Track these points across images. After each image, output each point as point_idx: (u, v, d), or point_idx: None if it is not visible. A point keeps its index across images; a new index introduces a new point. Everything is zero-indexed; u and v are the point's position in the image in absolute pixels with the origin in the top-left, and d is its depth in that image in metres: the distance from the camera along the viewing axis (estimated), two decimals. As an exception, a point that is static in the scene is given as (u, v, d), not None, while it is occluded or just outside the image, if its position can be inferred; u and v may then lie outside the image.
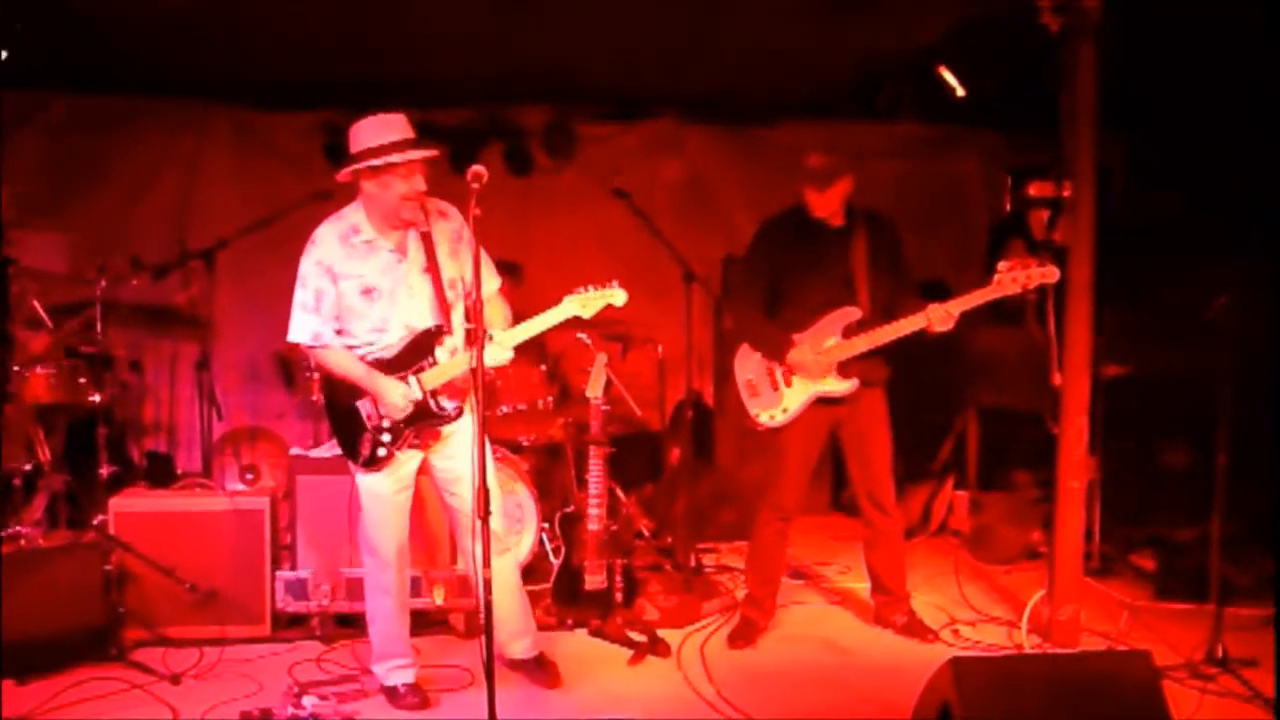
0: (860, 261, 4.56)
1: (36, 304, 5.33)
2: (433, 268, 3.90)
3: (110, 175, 6.71)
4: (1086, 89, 4.43)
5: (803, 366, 4.51)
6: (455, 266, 3.96)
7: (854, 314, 4.51)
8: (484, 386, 3.34)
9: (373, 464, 3.90)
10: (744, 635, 4.73)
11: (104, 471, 5.19)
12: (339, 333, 3.89)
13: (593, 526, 4.84)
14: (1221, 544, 4.44)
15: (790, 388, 4.58)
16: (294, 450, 5.08)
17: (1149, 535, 5.63)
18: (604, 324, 5.41)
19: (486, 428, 3.41)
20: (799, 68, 6.23)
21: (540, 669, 4.26)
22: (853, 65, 6.20)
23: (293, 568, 4.78)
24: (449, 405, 3.91)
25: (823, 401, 4.57)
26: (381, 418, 3.87)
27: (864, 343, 4.47)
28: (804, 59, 6.08)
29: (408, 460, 3.96)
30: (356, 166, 3.77)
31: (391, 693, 4.09)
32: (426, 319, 3.91)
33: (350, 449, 3.94)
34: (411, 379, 3.85)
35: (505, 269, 6.18)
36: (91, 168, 6.64)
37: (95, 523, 4.75)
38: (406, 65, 6.10)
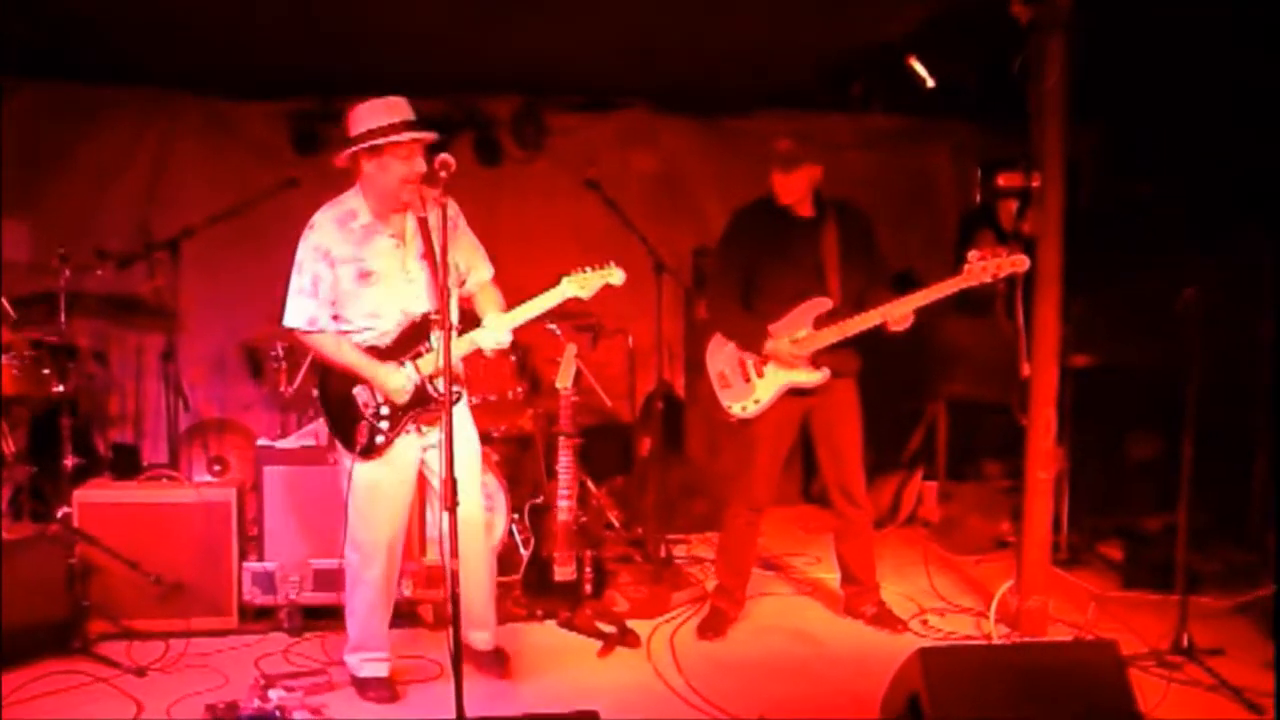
0: (831, 252, 4.57)
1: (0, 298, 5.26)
2: (429, 254, 3.88)
3: (76, 164, 6.61)
4: (1055, 80, 4.44)
5: (779, 357, 4.51)
6: (451, 253, 3.92)
7: (825, 305, 4.52)
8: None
9: (370, 451, 3.88)
10: (714, 626, 4.73)
11: (68, 463, 5.11)
12: (334, 318, 3.87)
13: (562, 518, 4.82)
14: (1188, 534, 4.46)
15: (762, 379, 4.58)
16: (261, 441, 5.03)
17: (1116, 525, 5.66)
18: (574, 315, 5.40)
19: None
20: (771, 59, 6.21)
21: (495, 662, 4.23)
22: (824, 57, 6.18)
23: (260, 560, 4.73)
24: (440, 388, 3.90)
25: (794, 393, 4.57)
26: (379, 404, 3.85)
27: (834, 334, 4.47)
28: (776, 50, 6.06)
29: (405, 449, 3.93)
30: (355, 148, 3.75)
31: (361, 684, 4.06)
32: (423, 305, 3.90)
33: (346, 437, 3.91)
34: (408, 364, 3.85)
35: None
36: (57, 156, 6.54)
37: (59, 515, 4.70)
38: (376, 55, 6.04)
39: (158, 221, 6.26)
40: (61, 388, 5.13)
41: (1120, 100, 5.75)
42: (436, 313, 3.86)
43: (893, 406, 6.72)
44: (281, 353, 5.77)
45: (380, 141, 3.72)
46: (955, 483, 6.41)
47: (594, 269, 3.91)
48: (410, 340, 3.88)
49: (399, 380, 3.82)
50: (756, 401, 4.58)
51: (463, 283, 4.05)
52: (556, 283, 3.94)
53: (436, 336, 3.86)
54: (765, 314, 4.57)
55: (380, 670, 4.08)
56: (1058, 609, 4.79)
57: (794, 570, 5.70)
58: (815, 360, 4.52)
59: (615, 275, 3.93)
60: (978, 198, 6.90)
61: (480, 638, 4.23)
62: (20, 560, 4.34)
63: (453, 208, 3.98)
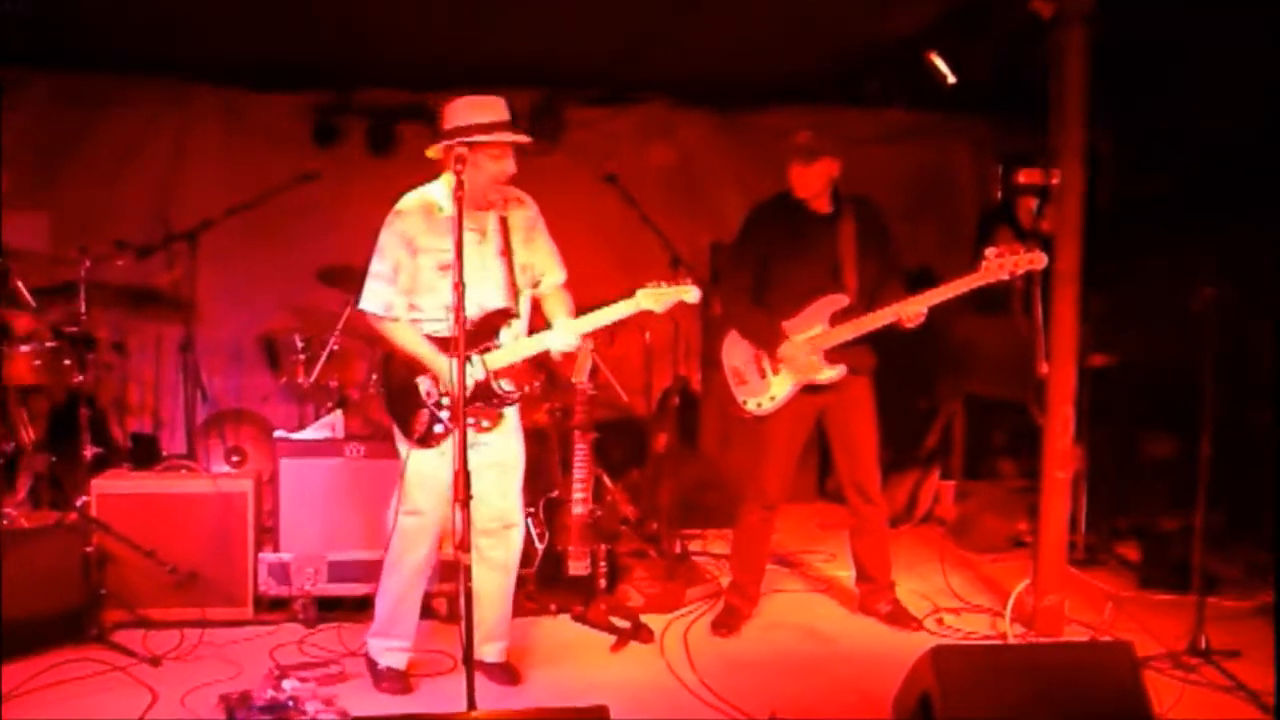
0: (848, 248, 4.55)
1: (19, 284, 5.30)
2: (507, 251, 3.93)
3: (95, 155, 6.65)
4: (1076, 76, 4.41)
5: (791, 360, 4.50)
6: (528, 253, 4.01)
7: (841, 301, 4.50)
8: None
9: (427, 440, 3.88)
10: (727, 622, 4.72)
11: (87, 453, 5.14)
12: (409, 308, 3.89)
13: (576, 512, 4.83)
14: (1205, 534, 4.43)
15: (777, 375, 4.57)
16: (278, 433, 5.05)
17: (1134, 525, 5.63)
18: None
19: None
20: (789, 53, 6.19)
21: (504, 674, 4.17)
22: (843, 51, 6.16)
23: (276, 551, 4.76)
24: (509, 387, 3.94)
25: (809, 389, 4.56)
26: (441, 395, 3.86)
27: (849, 331, 4.46)
28: (794, 44, 6.04)
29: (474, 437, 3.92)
30: (448, 143, 3.76)
31: (378, 674, 4.07)
32: (497, 300, 3.92)
33: (405, 425, 3.92)
34: (475, 359, 3.85)
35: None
36: (75, 147, 6.59)
37: (77, 504, 4.73)
38: (395, 48, 6.07)
39: (176, 212, 6.27)
40: (81, 378, 5.17)
41: (1141, 97, 5.70)
42: (508, 310, 3.92)
43: (910, 404, 6.71)
44: (300, 345, 5.80)
45: (478, 139, 3.73)
46: (972, 481, 6.38)
47: (670, 284, 3.91)
48: (480, 335, 3.88)
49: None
50: (772, 398, 4.57)
51: (536, 284, 4.06)
52: (631, 294, 3.91)
53: (507, 333, 3.92)
54: (780, 310, 4.56)
55: (399, 661, 4.09)
56: (1074, 609, 4.76)
57: (809, 567, 5.69)
58: (830, 357, 4.51)
59: (690, 293, 3.91)
60: (998, 194, 6.86)
61: (492, 649, 4.16)
62: (38, 549, 4.38)
63: (532, 208, 4.07)
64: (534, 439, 5.91)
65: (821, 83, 6.63)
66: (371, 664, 4.11)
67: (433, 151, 3.89)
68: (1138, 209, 5.97)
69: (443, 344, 3.84)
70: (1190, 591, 4.57)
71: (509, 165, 3.83)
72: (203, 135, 6.82)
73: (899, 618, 4.77)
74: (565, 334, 3.90)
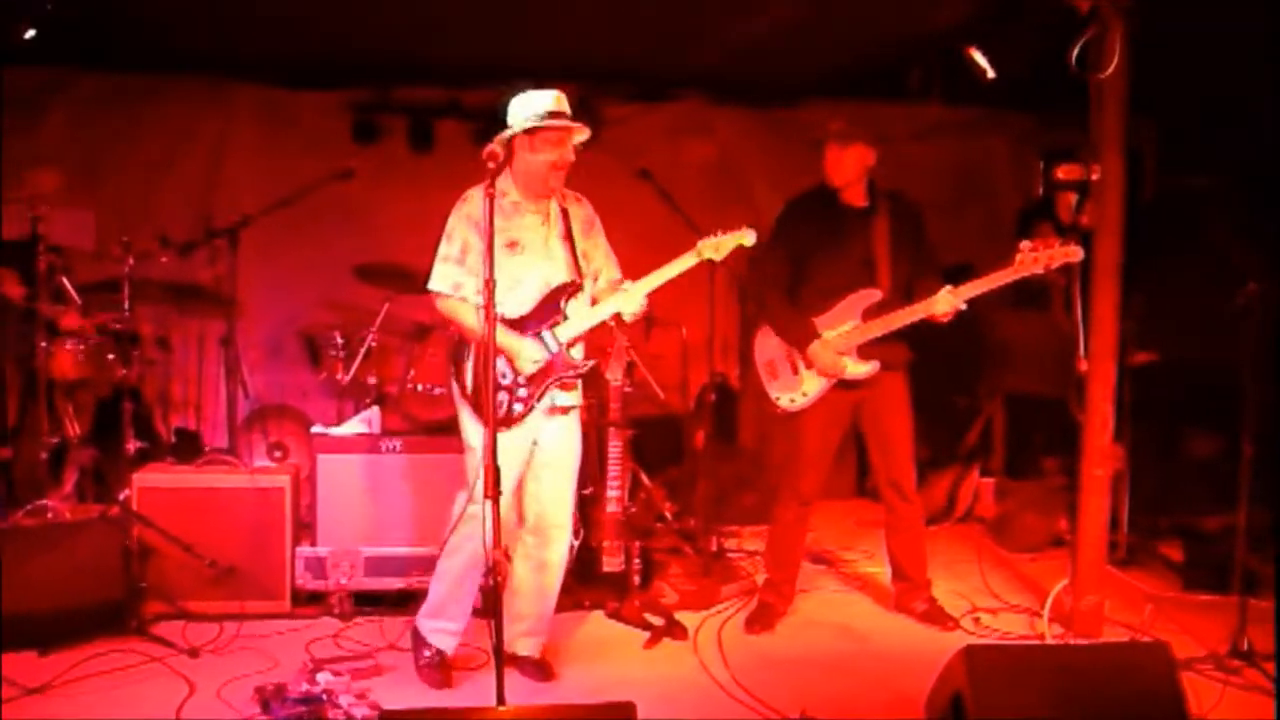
0: (882, 243, 4.53)
1: (64, 281, 5.39)
2: (569, 237, 4.01)
3: (137, 152, 6.74)
4: (1115, 70, 4.33)
5: (819, 361, 4.47)
6: (587, 244, 4.09)
7: (874, 296, 4.47)
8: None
9: (508, 421, 3.89)
10: (761, 620, 4.71)
11: (130, 447, 5.22)
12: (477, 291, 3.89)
13: (611, 508, 4.83)
14: (1248, 534, 4.36)
15: (810, 370, 4.55)
16: (315, 428, 5.10)
17: (1176, 525, 5.55)
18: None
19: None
20: (826, 48, 6.16)
21: (537, 668, 4.17)
22: (881, 46, 6.12)
23: (313, 545, 4.80)
24: (580, 357, 4.00)
25: (843, 385, 4.53)
26: (516, 374, 3.89)
27: (881, 326, 4.43)
28: (831, 39, 6.01)
29: (532, 424, 3.95)
30: (511, 131, 3.84)
31: (421, 653, 4.07)
32: (563, 277, 3.98)
33: (482, 408, 3.81)
34: (545, 334, 3.92)
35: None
36: (120, 145, 6.68)
37: (119, 498, 4.80)
38: (433, 46, 6.10)
39: (217, 209, 6.36)
40: (125, 373, 5.24)
41: (1184, 91, 5.62)
42: (573, 282, 3.98)
43: (949, 402, 6.66)
44: (339, 341, 5.85)
45: (535, 125, 3.82)
46: (1012, 479, 6.31)
47: (725, 232, 3.98)
48: (546, 311, 3.94)
49: (531, 351, 3.88)
50: (804, 394, 4.55)
51: (595, 277, 4.11)
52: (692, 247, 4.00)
53: (574, 305, 3.97)
54: (814, 304, 4.54)
55: (448, 645, 4.09)
56: (1114, 610, 4.70)
57: (845, 565, 5.67)
58: (863, 352, 4.48)
59: (747, 236, 4.01)
60: (1039, 190, 6.79)
61: (528, 644, 4.17)
62: (80, 541, 4.46)
63: (589, 208, 4.18)
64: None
65: (859, 78, 6.58)
66: (418, 641, 4.11)
67: (497, 146, 3.85)
68: (1181, 204, 5.88)
69: (512, 325, 3.89)
70: (1233, 592, 4.49)
71: (568, 153, 3.91)
72: (244, 133, 6.89)
73: (934, 616, 4.74)
74: (634, 295, 3.94)
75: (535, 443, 3.99)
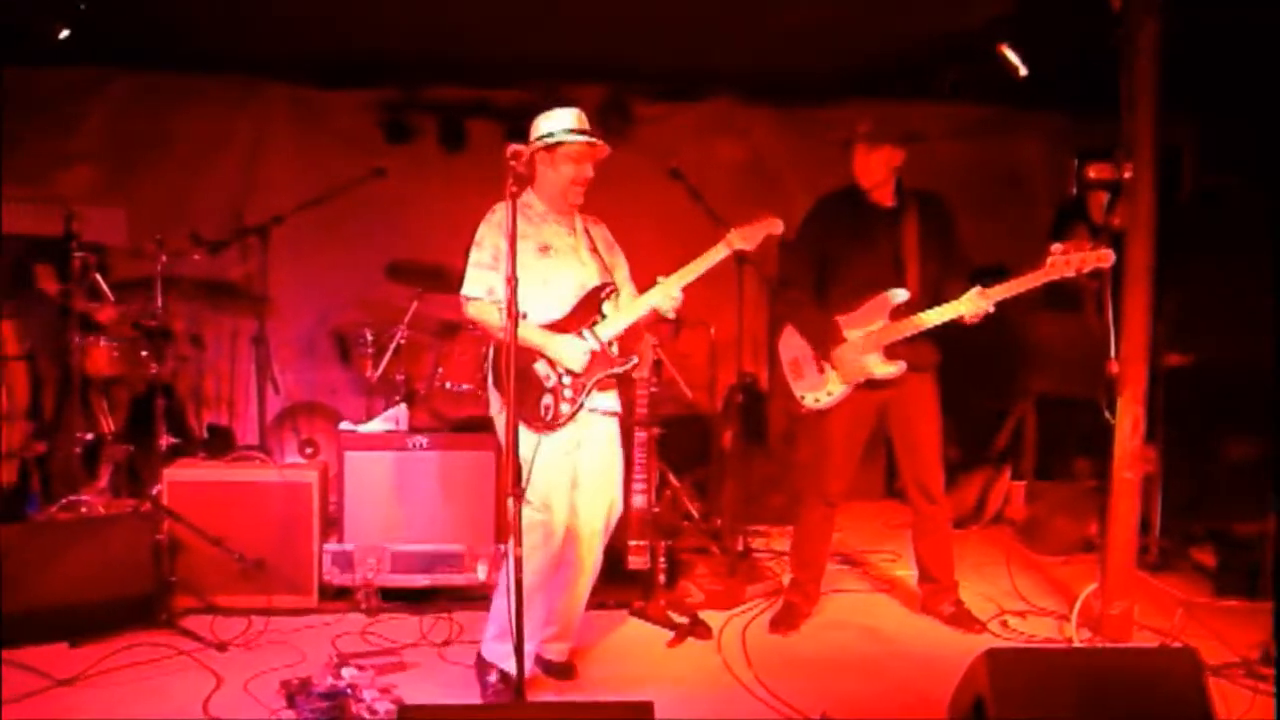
0: (911, 243, 4.50)
1: (98, 278, 5.46)
2: (595, 250, 4.08)
3: (172, 151, 6.81)
4: (1148, 68, 4.29)
5: (842, 364, 4.46)
6: (610, 261, 4.14)
7: (901, 296, 4.44)
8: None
9: (555, 424, 3.88)
10: (786, 620, 4.69)
11: (163, 443, 5.29)
12: None
13: (636, 506, 4.83)
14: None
15: (836, 370, 4.53)
16: (343, 425, 5.14)
17: (1210, 530, 5.47)
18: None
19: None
20: (859, 47, 6.13)
21: (562, 670, 4.15)
22: (913, 44, 6.08)
23: (340, 541, 4.84)
24: (617, 352, 4.02)
25: (870, 384, 4.51)
26: (560, 375, 3.89)
27: (909, 326, 4.40)
28: (863, 37, 5.98)
29: (572, 430, 3.93)
30: (533, 147, 3.88)
31: (489, 677, 3.93)
32: (596, 280, 4.01)
33: (529, 413, 3.86)
34: (585, 333, 3.93)
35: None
36: (154, 143, 6.76)
37: (151, 493, 4.86)
38: (464, 44, 6.12)
39: (250, 208, 6.42)
40: (158, 369, 5.30)
41: (1223, 90, 5.54)
42: (608, 284, 4.01)
43: (980, 404, 6.60)
44: (369, 338, 5.89)
45: (555, 140, 3.88)
46: (1042, 482, 6.25)
47: (754, 222, 4.03)
48: (584, 312, 3.96)
49: (574, 349, 3.88)
50: (829, 393, 4.53)
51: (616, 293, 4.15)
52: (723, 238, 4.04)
53: (609, 305, 4.00)
54: (841, 304, 4.52)
55: (526, 666, 3.80)
56: (1145, 615, 4.64)
57: (872, 566, 5.64)
58: (890, 352, 4.45)
59: (777, 226, 4.06)
60: (1074, 190, 6.71)
61: (556, 649, 4.14)
62: (112, 535, 4.51)
63: (607, 230, 4.23)
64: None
65: (891, 77, 6.54)
66: (484, 668, 3.97)
67: (520, 163, 3.90)
68: (1219, 205, 5.80)
69: (551, 327, 3.91)
70: (1265, 598, 4.43)
71: (588, 170, 3.95)
72: (277, 132, 6.95)
73: (961, 619, 4.70)
74: (667, 289, 3.95)
75: (579, 445, 3.95)
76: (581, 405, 3.91)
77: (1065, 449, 6.24)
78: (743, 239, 4.02)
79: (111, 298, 5.48)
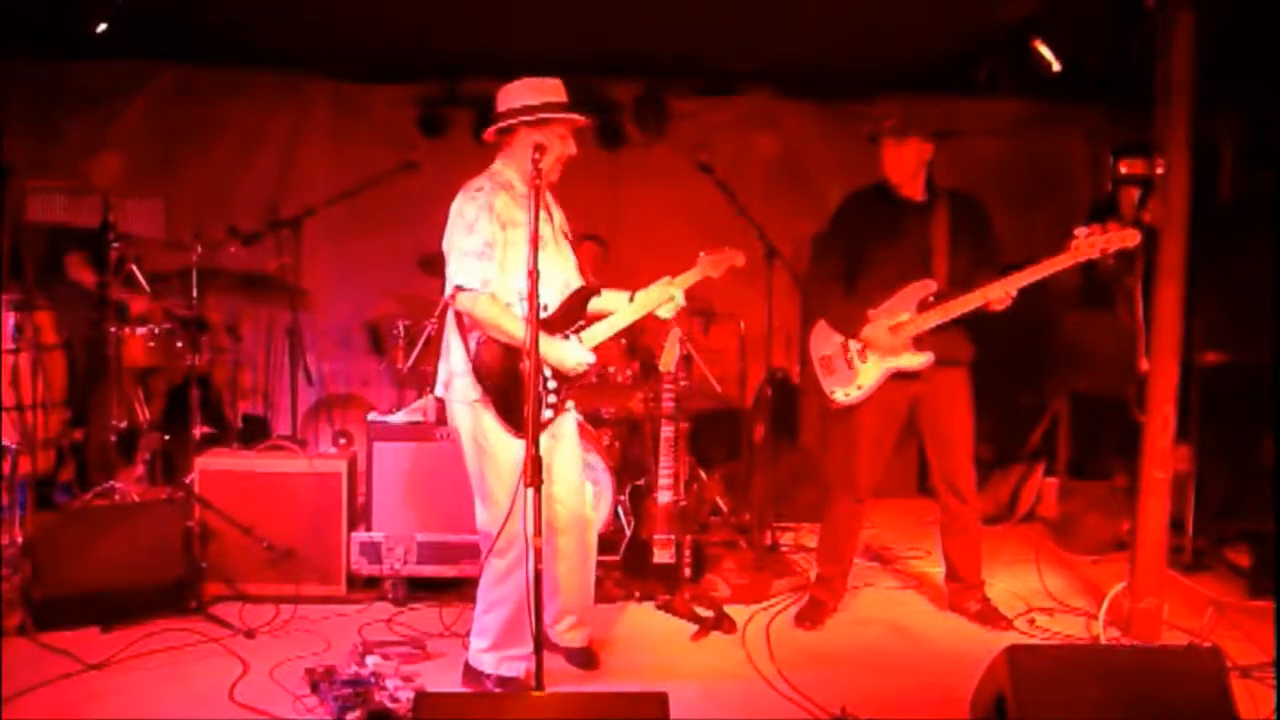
0: (940, 237, 4.48)
1: (135, 269, 5.54)
2: (567, 238, 4.02)
3: (212, 144, 6.92)
4: (1182, 63, 4.23)
5: (876, 343, 4.44)
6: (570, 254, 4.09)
7: (930, 287, 4.42)
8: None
9: (538, 425, 3.79)
10: (811, 615, 4.68)
11: (197, 432, 5.37)
12: None
13: (662, 500, 4.84)
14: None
15: (865, 364, 4.51)
16: (372, 416, 5.18)
17: (1244, 530, 5.39)
18: (687, 299, 5.41)
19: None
20: (894, 42, 6.09)
21: (585, 656, 4.18)
22: (949, 38, 6.03)
23: (368, 530, 4.88)
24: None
25: (900, 377, 4.49)
26: (548, 378, 3.78)
27: (936, 316, 4.38)
28: (898, 32, 5.95)
29: (558, 425, 3.92)
30: (517, 120, 3.74)
31: (498, 682, 3.89)
32: (576, 280, 3.98)
33: (513, 415, 3.69)
34: (573, 338, 3.86)
35: (593, 241, 6.25)
36: (195, 136, 6.87)
37: (186, 481, 4.94)
38: (499, 38, 6.14)
39: (288, 201, 6.48)
40: (194, 360, 5.38)
41: (1265, 87, 5.45)
42: (595, 287, 3.99)
43: (1014, 400, 6.55)
44: (401, 330, 5.93)
45: (547, 116, 3.74)
46: (1076, 479, 6.19)
47: (721, 251, 4.05)
48: (571, 314, 3.86)
49: (577, 354, 3.78)
50: (859, 387, 4.51)
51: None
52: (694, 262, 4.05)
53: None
54: (870, 297, 4.50)
55: (520, 669, 3.88)
56: (1176, 615, 4.58)
57: (901, 563, 5.61)
58: (920, 344, 4.43)
59: (740, 258, 4.09)
60: (1109, 185, 6.64)
61: (577, 635, 4.15)
62: (144, 522, 4.60)
63: (562, 213, 4.09)
64: (628, 427, 6.00)
65: (928, 72, 6.49)
66: (481, 678, 3.91)
67: (490, 134, 3.85)
68: (1260, 202, 5.70)
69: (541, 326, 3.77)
70: (1298, 599, 4.38)
71: (572, 146, 3.82)
72: (315, 126, 7.04)
73: (988, 617, 4.66)
74: (664, 292, 3.95)
75: (556, 438, 3.93)
76: (563, 410, 3.88)
77: (1099, 447, 6.18)
78: (712, 265, 4.03)
79: (147, 289, 5.56)
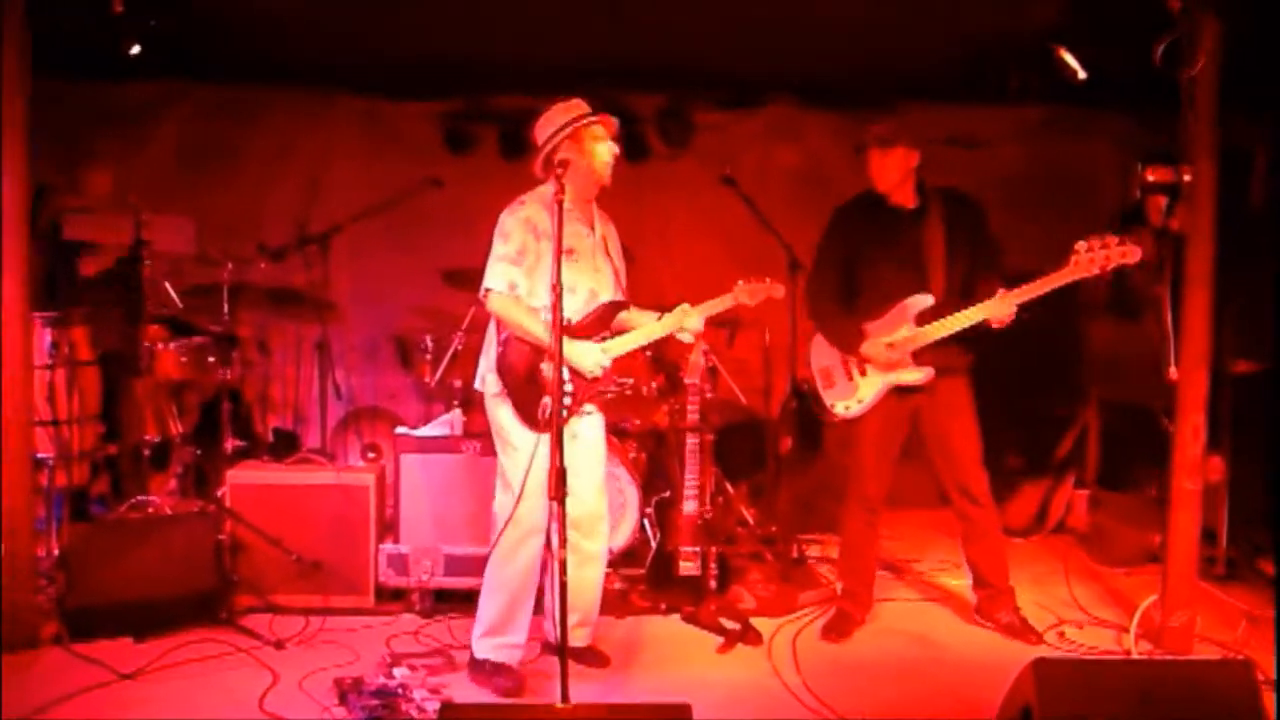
0: (935, 245, 4.47)
1: (167, 285, 5.62)
2: (609, 253, 4.15)
3: (242, 161, 6.99)
4: (1208, 69, 4.22)
5: (875, 360, 4.43)
6: (620, 263, 4.22)
7: (926, 301, 4.41)
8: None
9: (550, 423, 3.93)
10: (838, 628, 4.66)
11: (228, 446, 5.42)
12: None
13: (688, 512, 4.84)
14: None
15: (865, 377, 4.52)
16: (399, 429, 5.22)
17: (1278, 540, 5.32)
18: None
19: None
20: (917, 51, 6.08)
21: (593, 655, 4.27)
22: (973, 47, 6.02)
23: (395, 543, 4.91)
24: (616, 377, 4.11)
25: (900, 390, 4.48)
26: (565, 381, 3.89)
27: (936, 331, 4.37)
28: (922, 41, 5.93)
29: (568, 432, 3.94)
30: (555, 140, 3.98)
31: (489, 669, 4.05)
32: (608, 293, 4.09)
33: (528, 412, 3.93)
34: (595, 347, 4.00)
35: (615, 252, 6.27)
36: (225, 154, 6.94)
37: (215, 494, 4.99)
38: (524, 53, 6.19)
39: (317, 217, 6.50)
40: (225, 374, 5.44)
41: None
42: (625, 302, 4.12)
43: (1043, 411, 6.51)
44: (429, 344, 5.97)
45: (576, 125, 3.97)
46: (1106, 491, 6.14)
47: (760, 281, 4.18)
48: (598, 324, 4.03)
49: (595, 356, 3.96)
50: (860, 400, 4.52)
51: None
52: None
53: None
54: (867, 311, 4.51)
55: (513, 658, 4.07)
56: (1208, 627, 4.55)
57: (926, 574, 5.58)
58: (919, 358, 4.42)
59: (779, 290, 4.22)
60: (1137, 193, 6.59)
61: (581, 634, 4.24)
62: (176, 534, 4.65)
63: (614, 229, 4.27)
64: (654, 439, 6.00)
65: (952, 80, 6.48)
66: (478, 664, 4.09)
67: (539, 170, 4.08)
68: (1289, 206, 5.65)
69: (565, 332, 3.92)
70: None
71: (613, 146, 4.02)
72: (343, 143, 7.09)
73: (1018, 630, 4.61)
74: (693, 316, 4.06)
75: (574, 437, 4.02)
76: (575, 413, 3.98)
77: (1129, 457, 6.11)
78: (748, 295, 4.12)
79: (180, 305, 5.63)
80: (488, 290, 3.95)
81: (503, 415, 4.01)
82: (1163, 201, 4.64)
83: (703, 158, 7.05)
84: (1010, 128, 6.95)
